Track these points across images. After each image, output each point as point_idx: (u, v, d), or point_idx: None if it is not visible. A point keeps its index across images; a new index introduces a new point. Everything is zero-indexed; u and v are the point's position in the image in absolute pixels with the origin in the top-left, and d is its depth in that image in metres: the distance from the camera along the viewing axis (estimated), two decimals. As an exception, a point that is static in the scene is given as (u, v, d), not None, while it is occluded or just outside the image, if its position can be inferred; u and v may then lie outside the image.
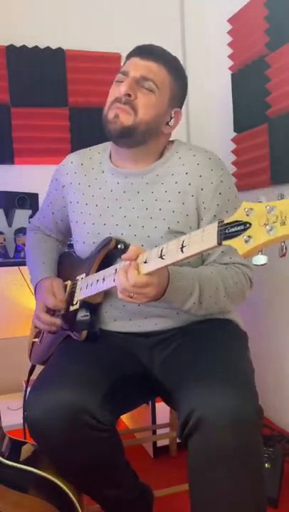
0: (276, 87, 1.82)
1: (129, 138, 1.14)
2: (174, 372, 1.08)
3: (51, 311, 1.23)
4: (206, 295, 1.08)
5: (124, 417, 2.03)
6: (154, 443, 1.77)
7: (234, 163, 2.16)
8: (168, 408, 1.57)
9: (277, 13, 1.80)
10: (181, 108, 1.22)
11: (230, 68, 2.15)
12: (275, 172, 1.87)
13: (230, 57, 2.13)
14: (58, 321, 1.21)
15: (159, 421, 1.71)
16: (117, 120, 1.13)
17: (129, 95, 1.12)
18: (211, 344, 1.09)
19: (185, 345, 1.13)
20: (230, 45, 2.13)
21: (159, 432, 1.70)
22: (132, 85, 1.12)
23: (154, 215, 1.15)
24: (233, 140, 2.15)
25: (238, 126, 2.13)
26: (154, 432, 1.71)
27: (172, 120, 1.19)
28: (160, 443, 1.78)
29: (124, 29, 2.31)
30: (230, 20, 2.10)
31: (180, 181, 1.16)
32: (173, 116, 1.19)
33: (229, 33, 2.12)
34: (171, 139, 1.25)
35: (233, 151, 2.16)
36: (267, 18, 1.84)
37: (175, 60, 1.20)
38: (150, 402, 1.70)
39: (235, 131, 2.16)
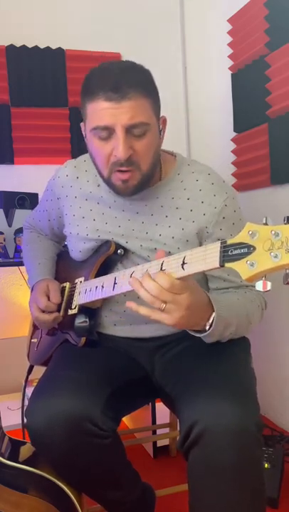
0: (276, 87, 1.82)
1: (141, 190, 1.09)
2: (176, 378, 1.07)
3: (47, 312, 1.22)
4: (240, 324, 1.03)
5: (124, 417, 2.02)
6: (154, 443, 1.77)
7: (234, 163, 2.16)
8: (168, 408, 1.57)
9: (277, 13, 1.80)
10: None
11: (230, 68, 2.15)
12: (275, 172, 1.87)
13: (230, 57, 2.13)
14: (57, 314, 1.19)
15: (159, 421, 1.71)
16: (127, 185, 1.05)
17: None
18: (213, 351, 1.06)
19: (187, 351, 1.12)
20: (230, 45, 2.13)
21: (159, 432, 1.70)
22: (126, 144, 0.99)
23: (154, 239, 1.12)
24: (233, 140, 2.15)
25: (238, 126, 2.13)
26: (154, 432, 1.71)
27: (162, 131, 1.10)
28: (160, 443, 1.78)
29: (124, 29, 2.32)
30: (230, 20, 2.10)
31: (181, 207, 1.11)
32: (161, 128, 1.10)
33: (229, 33, 2.11)
34: (172, 151, 1.21)
35: (233, 151, 2.16)
36: (267, 18, 1.84)
37: (139, 70, 1.04)
38: (150, 403, 1.70)
39: (235, 131, 2.15)
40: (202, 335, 0.96)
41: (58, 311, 1.21)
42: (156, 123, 1.06)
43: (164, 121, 1.11)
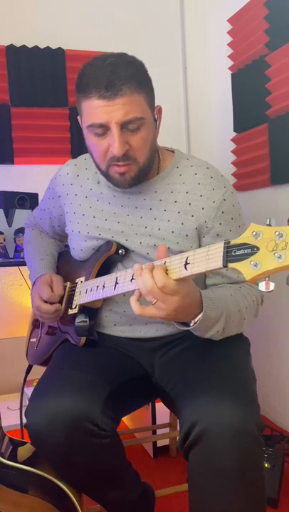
0: (276, 87, 1.82)
1: (139, 181, 1.10)
2: (176, 378, 1.07)
3: (49, 303, 1.21)
4: (230, 320, 1.01)
5: (124, 417, 2.01)
6: (154, 443, 1.77)
7: (234, 163, 2.16)
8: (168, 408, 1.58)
9: (277, 13, 1.80)
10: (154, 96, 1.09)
11: (230, 68, 2.15)
12: (275, 172, 1.87)
13: (230, 57, 2.13)
14: (59, 306, 1.20)
15: (159, 421, 1.71)
16: (124, 177, 1.07)
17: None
18: (213, 351, 1.07)
19: (187, 352, 1.12)
20: (230, 45, 2.13)
21: (159, 431, 1.70)
22: (122, 140, 1.00)
23: (152, 234, 1.12)
24: (233, 140, 2.15)
25: (238, 126, 2.13)
26: (154, 432, 1.71)
27: (157, 120, 1.10)
28: (160, 443, 1.78)
29: (124, 29, 2.32)
30: (230, 20, 2.10)
31: (180, 200, 1.11)
32: (157, 117, 1.10)
33: (229, 33, 2.11)
34: (170, 146, 1.22)
35: (233, 151, 2.16)
36: (267, 18, 1.84)
37: (131, 63, 1.02)
38: (150, 403, 1.70)
39: (235, 131, 2.15)
40: (185, 328, 0.97)
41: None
42: (151, 114, 1.07)
43: (160, 110, 1.12)
